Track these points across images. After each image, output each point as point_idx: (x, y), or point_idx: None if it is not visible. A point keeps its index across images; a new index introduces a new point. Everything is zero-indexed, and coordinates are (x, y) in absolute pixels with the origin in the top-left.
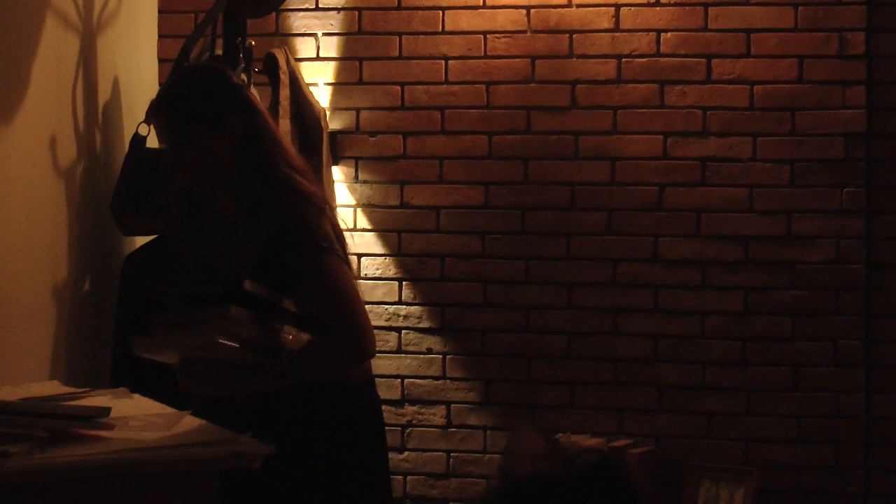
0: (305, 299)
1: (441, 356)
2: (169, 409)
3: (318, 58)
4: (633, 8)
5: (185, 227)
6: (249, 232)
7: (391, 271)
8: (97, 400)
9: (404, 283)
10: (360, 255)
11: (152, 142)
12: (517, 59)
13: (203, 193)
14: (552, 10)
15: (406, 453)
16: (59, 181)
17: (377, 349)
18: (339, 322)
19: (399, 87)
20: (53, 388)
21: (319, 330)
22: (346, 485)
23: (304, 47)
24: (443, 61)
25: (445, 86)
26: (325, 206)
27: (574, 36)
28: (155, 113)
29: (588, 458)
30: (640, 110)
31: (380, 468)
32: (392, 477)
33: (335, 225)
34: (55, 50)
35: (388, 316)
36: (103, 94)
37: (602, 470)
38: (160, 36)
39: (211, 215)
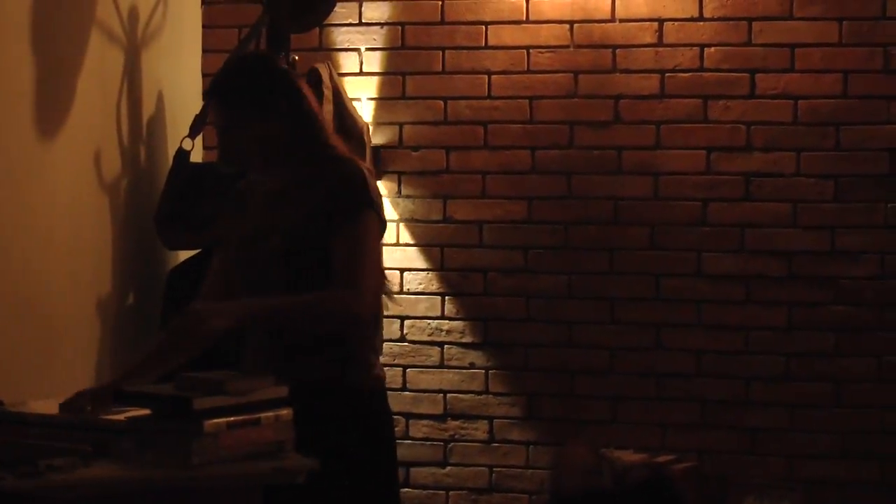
0: (334, 250)
1: (484, 371)
2: None
3: (361, 72)
4: (676, 23)
5: (232, 211)
6: (297, 198)
7: (434, 286)
8: (139, 413)
9: (447, 297)
10: (402, 270)
11: (196, 156)
12: (560, 74)
13: (256, 173)
14: (595, 24)
15: (448, 468)
16: (104, 195)
17: (421, 364)
18: (347, 278)
19: (442, 102)
20: None
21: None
22: (352, 487)
23: (348, 62)
24: (486, 76)
25: (488, 100)
26: (370, 170)
27: (617, 51)
28: (211, 98)
29: (638, 473)
30: (683, 125)
31: (388, 476)
32: (434, 492)
33: (377, 189)
34: (100, 64)
35: (430, 331)
36: (147, 109)
37: (652, 485)
38: (204, 51)
39: (259, 197)
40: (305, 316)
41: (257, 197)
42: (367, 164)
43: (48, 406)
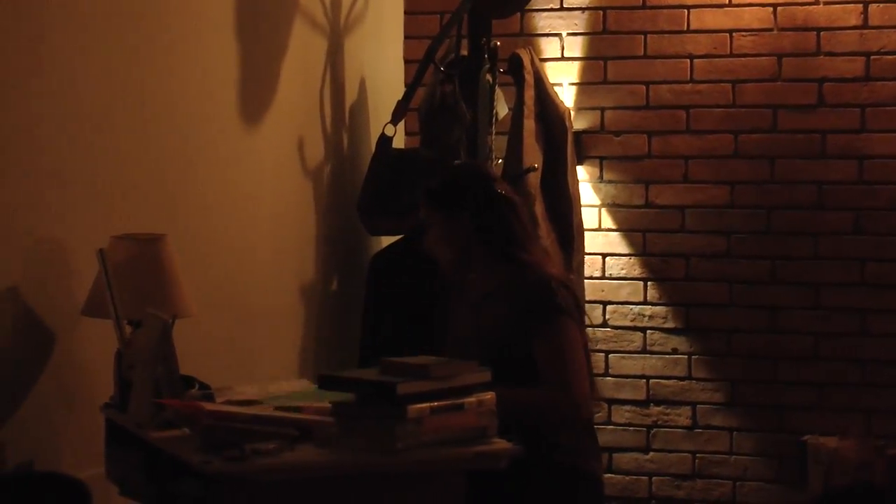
0: (537, 356)
1: (686, 356)
2: None
3: (562, 58)
4: (881, 4)
5: (442, 306)
6: (498, 306)
7: (636, 271)
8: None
9: (649, 283)
10: (604, 255)
11: (398, 142)
12: (763, 58)
13: (446, 270)
14: (799, 7)
15: (651, 454)
16: (307, 181)
17: (623, 349)
18: (560, 383)
19: (644, 87)
20: (302, 386)
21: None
22: None
23: (549, 47)
24: (688, 60)
25: (690, 84)
26: (566, 283)
27: (821, 33)
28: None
29: None
30: (889, 108)
31: None
32: (637, 477)
33: (575, 296)
34: (303, 51)
35: (633, 316)
36: (350, 95)
37: None
38: (406, 37)
39: (461, 294)
40: (526, 413)
41: (465, 302)
42: (559, 272)
43: (253, 391)
